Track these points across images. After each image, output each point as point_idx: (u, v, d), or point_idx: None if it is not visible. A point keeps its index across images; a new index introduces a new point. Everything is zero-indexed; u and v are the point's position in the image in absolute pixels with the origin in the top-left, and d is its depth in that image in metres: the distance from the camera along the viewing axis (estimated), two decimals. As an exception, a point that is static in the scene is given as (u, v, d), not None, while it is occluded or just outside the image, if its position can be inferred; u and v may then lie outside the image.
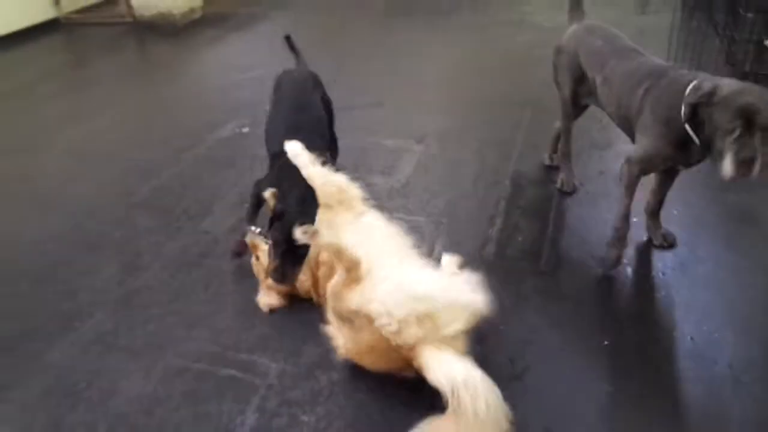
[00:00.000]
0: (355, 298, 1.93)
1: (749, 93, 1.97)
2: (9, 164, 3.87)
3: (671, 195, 2.58)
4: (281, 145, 2.45)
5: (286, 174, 2.39)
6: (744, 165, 1.92)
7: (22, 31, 6.44)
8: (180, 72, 5.56)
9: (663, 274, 2.48)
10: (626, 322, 2.27)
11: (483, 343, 2.20)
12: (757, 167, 1.92)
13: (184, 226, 2.99)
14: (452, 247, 2.70)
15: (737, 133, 1.92)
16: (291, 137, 2.45)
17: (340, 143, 3.26)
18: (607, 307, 2.38)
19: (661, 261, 2.55)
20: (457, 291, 1.93)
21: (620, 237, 2.46)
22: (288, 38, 3.32)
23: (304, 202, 2.30)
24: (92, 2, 7.27)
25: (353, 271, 1.95)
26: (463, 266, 2.31)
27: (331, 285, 2.05)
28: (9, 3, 6.33)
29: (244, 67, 5.13)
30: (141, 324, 2.41)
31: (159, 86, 5.19)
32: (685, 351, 2.12)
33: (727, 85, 2.02)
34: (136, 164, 3.70)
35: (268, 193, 2.34)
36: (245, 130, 3.97)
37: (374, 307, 1.85)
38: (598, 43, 2.68)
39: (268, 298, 2.40)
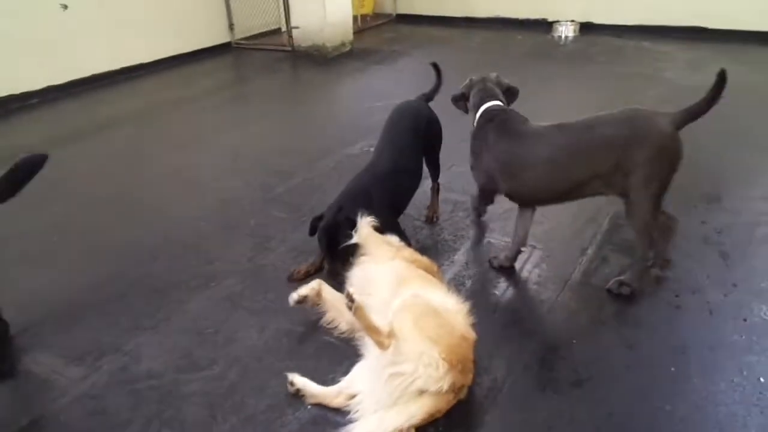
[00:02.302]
0: None
1: None
2: (178, 156, 4.64)
3: None
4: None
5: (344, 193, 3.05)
6: None
7: (203, 50, 7.65)
8: (324, 95, 6.24)
9: (744, 320, 2.53)
10: (696, 352, 2.37)
11: (553, 352, 2.41)
12: None
13: (308, 221, 3.43)
14: (541, 270, 2.94)
15: None
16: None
17: (460, 168, 3.60)
18: (680, 336, 2.48)
19: (747, 308, 2.60)
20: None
21: None
22: (435, 65, 3.73)
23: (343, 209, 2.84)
24: (259, 32, 8.33)
25: None
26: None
27: None
28: (195, 27, 7.57)
29: (380, 96, 5.66)
30: (263, 292, 2.88)
31: (305, 105, 5.89)
32: (753, 389, 2.18)
33: None
34: (276, 167, 4.29)
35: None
36: (371, 149, 4.42)
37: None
38: None
39: None
